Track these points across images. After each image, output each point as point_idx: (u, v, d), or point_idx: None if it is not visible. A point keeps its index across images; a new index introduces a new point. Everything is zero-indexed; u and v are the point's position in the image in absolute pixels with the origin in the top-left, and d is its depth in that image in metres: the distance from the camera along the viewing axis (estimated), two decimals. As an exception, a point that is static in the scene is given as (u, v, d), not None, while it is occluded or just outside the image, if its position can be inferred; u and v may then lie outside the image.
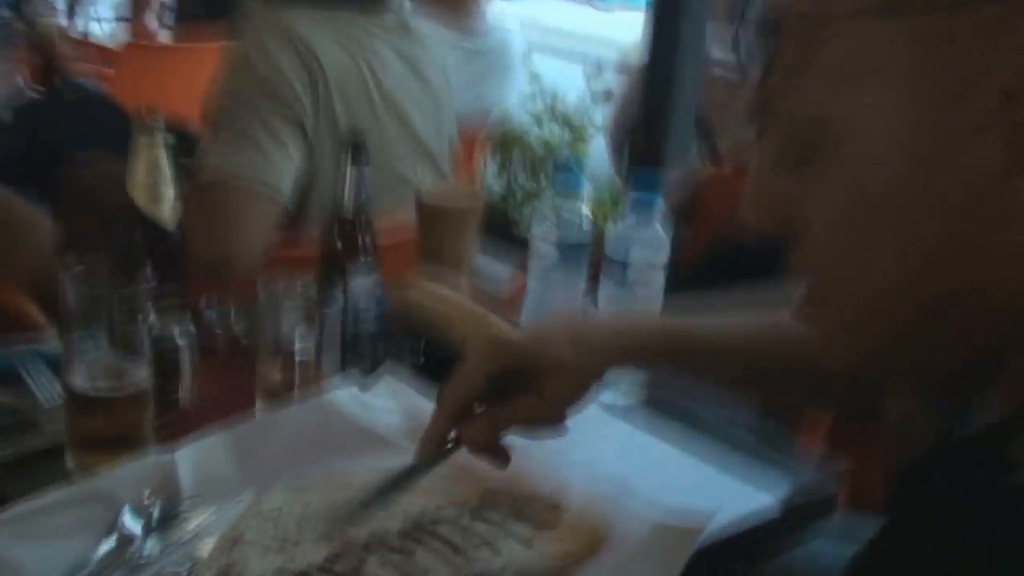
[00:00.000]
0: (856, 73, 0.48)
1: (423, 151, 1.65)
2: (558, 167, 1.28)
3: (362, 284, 1.20)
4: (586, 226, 1.25)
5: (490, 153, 3.06)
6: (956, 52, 0.45)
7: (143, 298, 0.90)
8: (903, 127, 0.47)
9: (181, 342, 0.94)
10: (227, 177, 1.40)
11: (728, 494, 0.98)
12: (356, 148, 1.14)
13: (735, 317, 0.88)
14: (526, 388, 0.80)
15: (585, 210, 1.25)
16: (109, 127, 1.82)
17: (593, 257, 1.28)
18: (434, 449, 0.82)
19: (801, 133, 0.51)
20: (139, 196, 0.98)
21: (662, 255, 1.22)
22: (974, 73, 0.45)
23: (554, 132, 3.70)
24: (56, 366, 0.97)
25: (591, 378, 0.82)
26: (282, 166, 1.42)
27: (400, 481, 0.83)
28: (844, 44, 0.48)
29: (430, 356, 1.18)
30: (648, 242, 1.22)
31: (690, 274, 1.70)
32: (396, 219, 1.59)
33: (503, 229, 3.58)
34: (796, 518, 0.98)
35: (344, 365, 1.08)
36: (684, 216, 2.03)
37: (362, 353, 1.15)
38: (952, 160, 0.46)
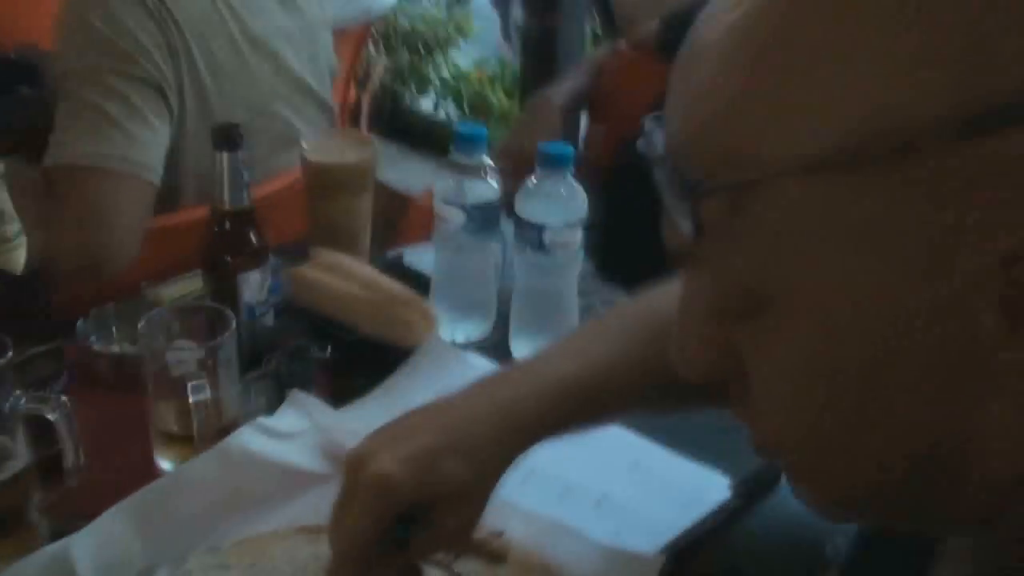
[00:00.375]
0: (809, 236, 0.39)
1: (302, 87, 1.50)
2: (457, 130, 1.15)
3: (253, 280, 1.08)
4: (494, 186, 1.14)
5: (373, 45, 2.88)
6: (931, 210, 0.37)
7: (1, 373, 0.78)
8: (874, 296, 0.38)
9: (56, 416, 0.82)
10: (85, 161, 1.23)
11: (682, 493, 0.93)
12: (227, 136, 1.00)
13: (632, 336, 0.76)
14: (424, 517, 0.70)
15: (491, 169, 1.14)
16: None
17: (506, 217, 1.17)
18: None
19: (745, 290, 0.42)
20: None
21: (580, 212, 1.12)
22: (955, 236, 0.36)
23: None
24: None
25: (491, 491, 0.72)
26: (146, 140, 1.25)
27: None
28: (788, 204, 0.39)
29: (338, 344, 1.09)
30: (563, 199, 1.12)
31: (604, 175, 1.58)
32: (282, 169, 1.45)
33: (400, 120, 3.40)
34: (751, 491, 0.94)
35: (246, 374, 0.98)
36: (590, 109, 1.87)
37: (265, 358, 1.04)
38: (935, 329, 0.38)
